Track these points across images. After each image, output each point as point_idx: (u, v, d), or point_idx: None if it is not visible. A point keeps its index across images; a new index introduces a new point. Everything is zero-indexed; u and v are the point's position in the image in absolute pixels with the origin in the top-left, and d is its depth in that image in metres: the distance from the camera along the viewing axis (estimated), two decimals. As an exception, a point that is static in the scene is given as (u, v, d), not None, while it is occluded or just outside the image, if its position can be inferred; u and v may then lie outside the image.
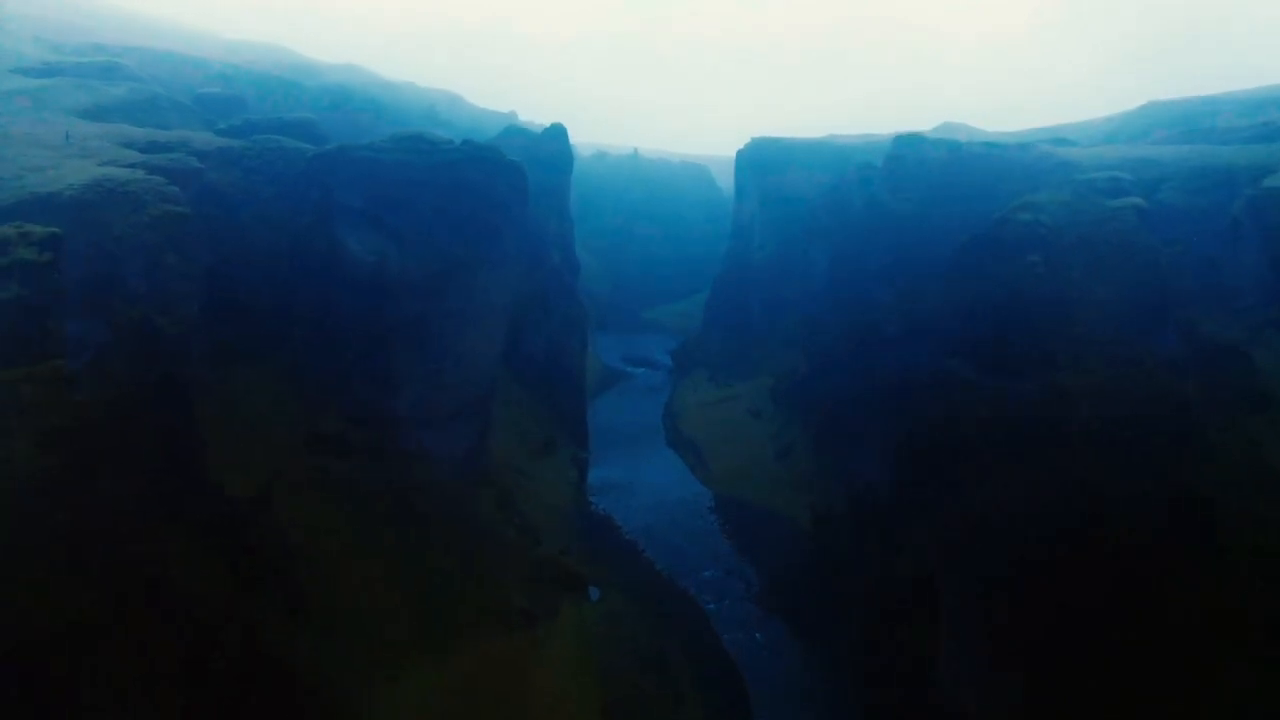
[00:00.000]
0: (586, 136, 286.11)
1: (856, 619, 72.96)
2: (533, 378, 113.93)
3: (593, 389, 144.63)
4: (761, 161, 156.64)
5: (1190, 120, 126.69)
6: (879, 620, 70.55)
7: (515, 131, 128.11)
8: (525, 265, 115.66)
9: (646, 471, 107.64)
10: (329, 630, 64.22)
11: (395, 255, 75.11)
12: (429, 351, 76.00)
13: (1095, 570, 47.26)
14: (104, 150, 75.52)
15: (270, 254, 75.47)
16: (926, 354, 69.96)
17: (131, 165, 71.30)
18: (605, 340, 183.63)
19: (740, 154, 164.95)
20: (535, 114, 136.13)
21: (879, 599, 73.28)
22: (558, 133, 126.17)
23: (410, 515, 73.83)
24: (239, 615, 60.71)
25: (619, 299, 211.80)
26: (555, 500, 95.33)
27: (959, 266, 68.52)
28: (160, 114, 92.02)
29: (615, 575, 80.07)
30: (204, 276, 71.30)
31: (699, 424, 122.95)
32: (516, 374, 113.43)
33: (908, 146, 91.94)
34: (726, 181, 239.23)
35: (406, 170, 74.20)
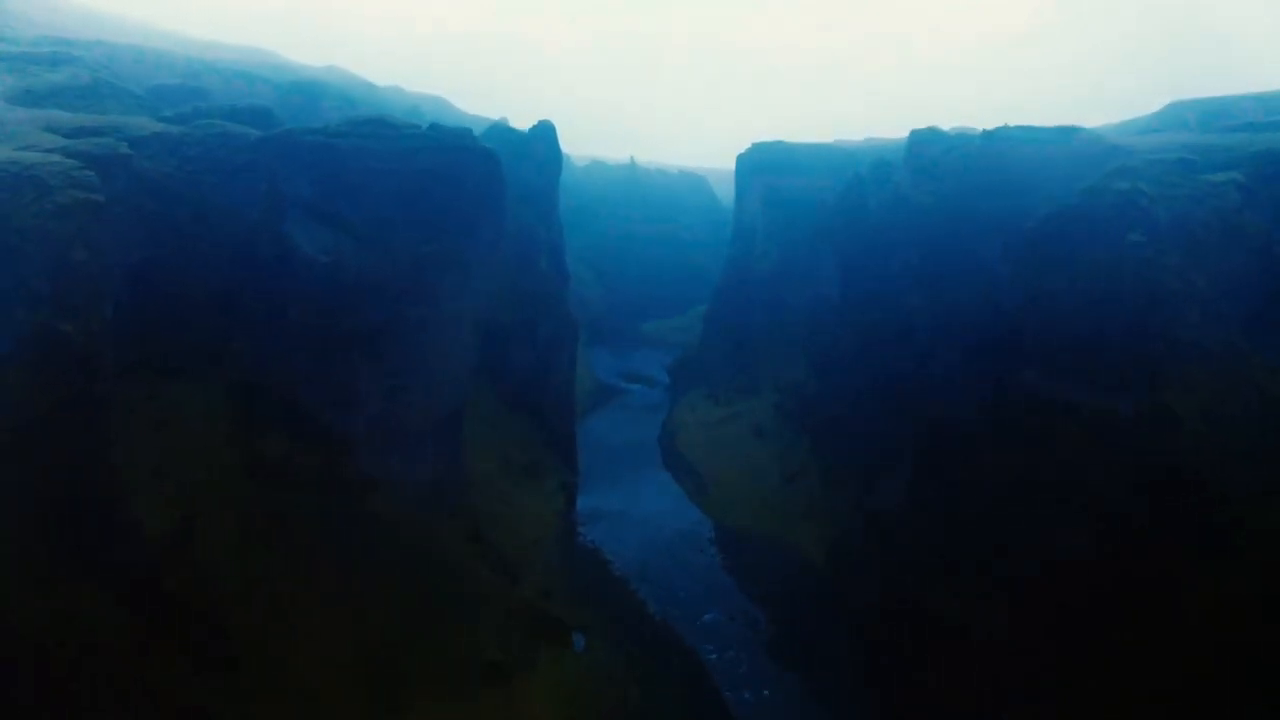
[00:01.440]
0: (582, 147, 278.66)
1: (880, 674, 63.30)
2: (517, 395, 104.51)
3: (585, 406, 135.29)
4: (763, 166, 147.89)
5: (1220, 116, 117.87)
6: (906, 676, 60.91)
7: (501, 130, 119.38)
8: (509, 270, 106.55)
9: (641, 498, 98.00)
10: (263, 693, 54.54)
11: (352, 255, 65.86)
12: (391, 364, 66.67)
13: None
14: (22, 135, 66.37)
15: (209, 252, 66.18)
16: (960, 364, 60.59)
17: (49, 150, 62.14)
18: (599, 355, 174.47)
19: (741, 158, 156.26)
20: (528, 121, 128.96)
21: (905, 650, 63.67)
22: (545, 131, 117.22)
23: (365, 553, 64.20)
24: (154, 676, 51.37)
25: (614, 312, 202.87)
26: (538, 532, 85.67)
27: (1033, 254, 56.95)
28: (100, 101, 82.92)
29: (603, 620, 70.39)
30: (127, 277, 62.06)
31: (698, 445, 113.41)
32: (499, 390, 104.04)
33: (930, 136, 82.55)
34: (725, 193, 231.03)
35: (365, 158, 65.04)
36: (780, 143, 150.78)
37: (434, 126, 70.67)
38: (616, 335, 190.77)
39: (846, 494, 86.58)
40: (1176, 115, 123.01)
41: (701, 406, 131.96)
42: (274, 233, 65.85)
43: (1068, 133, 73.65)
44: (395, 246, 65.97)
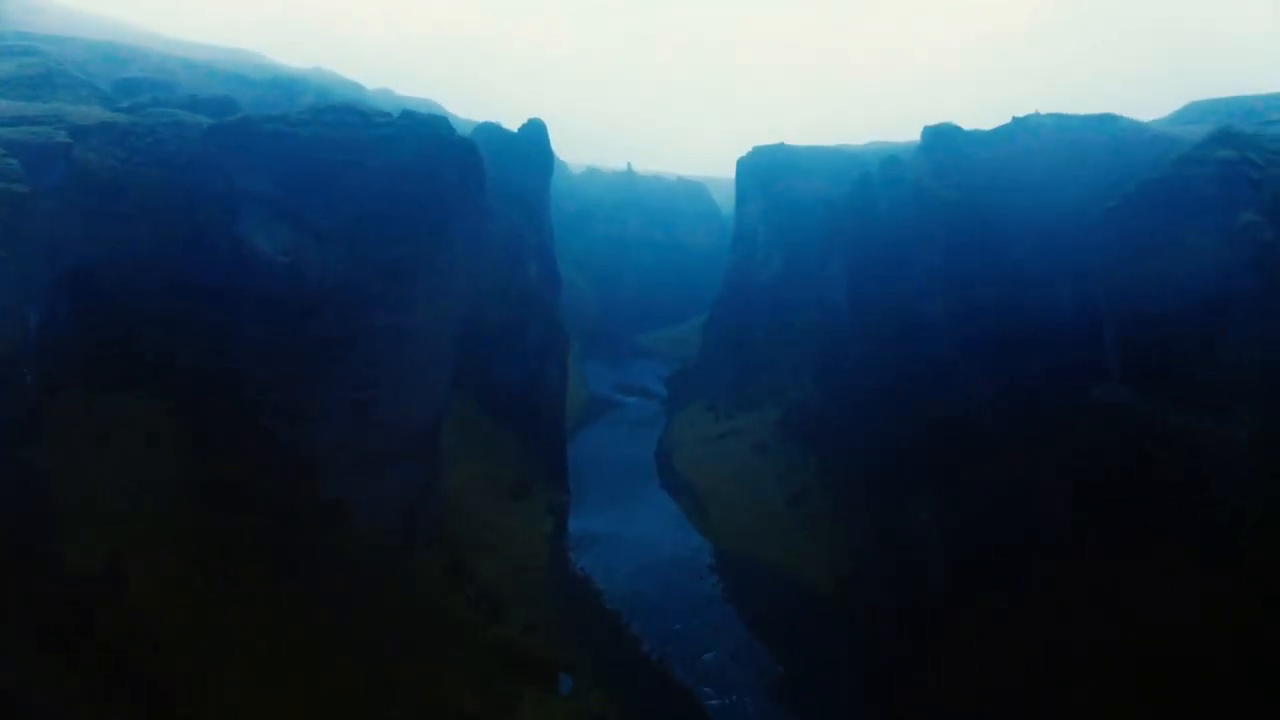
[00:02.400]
0: (579, 155, 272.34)
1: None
2: (504, 408, 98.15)
3: (578, 420, 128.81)
4: (765, 169, 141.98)
5: (1246, 116, 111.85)
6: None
7: (490, 129, 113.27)
8: (496, 274, 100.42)
9: (636, 519, 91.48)
10: (202, 752, 48.02)
11: (315, 257, 59.64)
12: (358, 376, 60.41)
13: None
14: (-50, 124, 60.21)
15: (156, 253, 59.90)
16: (992, 375, 54.27)
17: (-22, 139, 55.95)
18: (595, 366, 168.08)
19: (741, 162, 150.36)
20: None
21: (925, 695, 57.17)
22: (536, 130, 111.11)
23: (327, 589, 57.65)
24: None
25: (610, 322, 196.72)
26: (524, 558, 79.06)
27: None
28: (53, 91, 76.57)
29: (593, 659, 63.83)
30: (61, 279, 55.75)
31: (697, 462, 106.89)
32: (484, 404, 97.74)
33: (950, 129, 76.08)
34: (725, 201, 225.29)
35: (329, 149, 58.81)
36: (782, 145, 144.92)
37: (407, 114, 64.51)
38: (612, 346, 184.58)
39: (856, 518, 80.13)
40: (1199, 115, 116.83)
41: (700, 420, 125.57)
42: (228, 231, 59.66)
43: (1106, 121, 67.57)
44: (363, 247, 59.71)
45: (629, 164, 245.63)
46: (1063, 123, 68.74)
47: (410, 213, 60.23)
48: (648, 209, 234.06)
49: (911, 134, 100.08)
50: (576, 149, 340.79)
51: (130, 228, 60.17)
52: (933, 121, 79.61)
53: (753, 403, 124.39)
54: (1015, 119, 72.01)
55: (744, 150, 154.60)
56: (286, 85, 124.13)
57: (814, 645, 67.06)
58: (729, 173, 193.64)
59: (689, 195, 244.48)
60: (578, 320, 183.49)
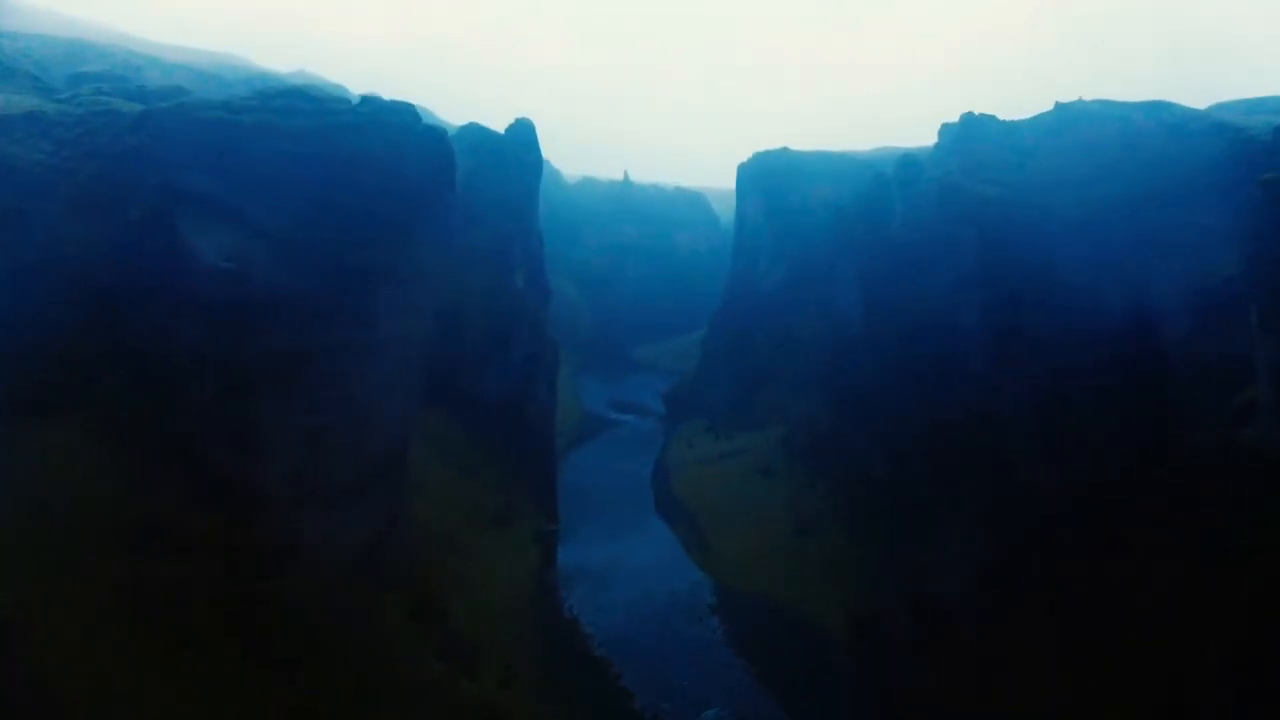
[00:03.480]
0: (575, 165, 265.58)
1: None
2: (487, 430, 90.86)
3: (569, 440, 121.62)
4: (767, 175, 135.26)
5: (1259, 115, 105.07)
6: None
7: (475, 131, 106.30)
8: (480, 285, 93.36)
9: (630, 552, 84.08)
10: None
11: (261, 262, 52.49)
12: (311, 399, 53.14)
13: None
14: None
15: (82, 259, 52.75)
16: (1031, 394, 47.04)
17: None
18: (589, 382, 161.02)
19: (742, 167, 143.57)
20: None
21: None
22: (523, 130, 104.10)
23: (271, 644, 50.21)
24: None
25: (605, 336, 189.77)
26: (505, 596, 71.66)
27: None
28: (-14, 83, 69.79)
29: (579, 717, 56.38)
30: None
31: (696, 486, 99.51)
32: (466, 425, 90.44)
33: (985, 119, 68.63)
34: (725, 211, 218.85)
35: (278, 139, 51.72)
36: (785, 150, 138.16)
37: (368, 101, 57.39)
38: (607, 360, 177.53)
39: (873, 551, 72.76)
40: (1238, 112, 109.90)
41: (700, 441, 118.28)
42: (164, 234, 52.51)
43: (1158, 108, 60.53)
44: (316, 251, 52.55)
45: (625, 172, 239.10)
46: (1110, 110, 61.58)
47: (370, 212, 53.10)
48: (645, 219, 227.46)
49: (918, 140, 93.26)
50: (572, 159, 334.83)
51: (54, 230, 53.05)
52: (935, 125, 72.97)
53: (755, 421, 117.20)
54: (1058, 104, 64.85)
55: (743, 158, 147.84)
56: (259, 84, 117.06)
57: (829, 697, 59.68)
58: (727, 184, 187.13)
59: (687, 204, 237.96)
60: (571, 334, 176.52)
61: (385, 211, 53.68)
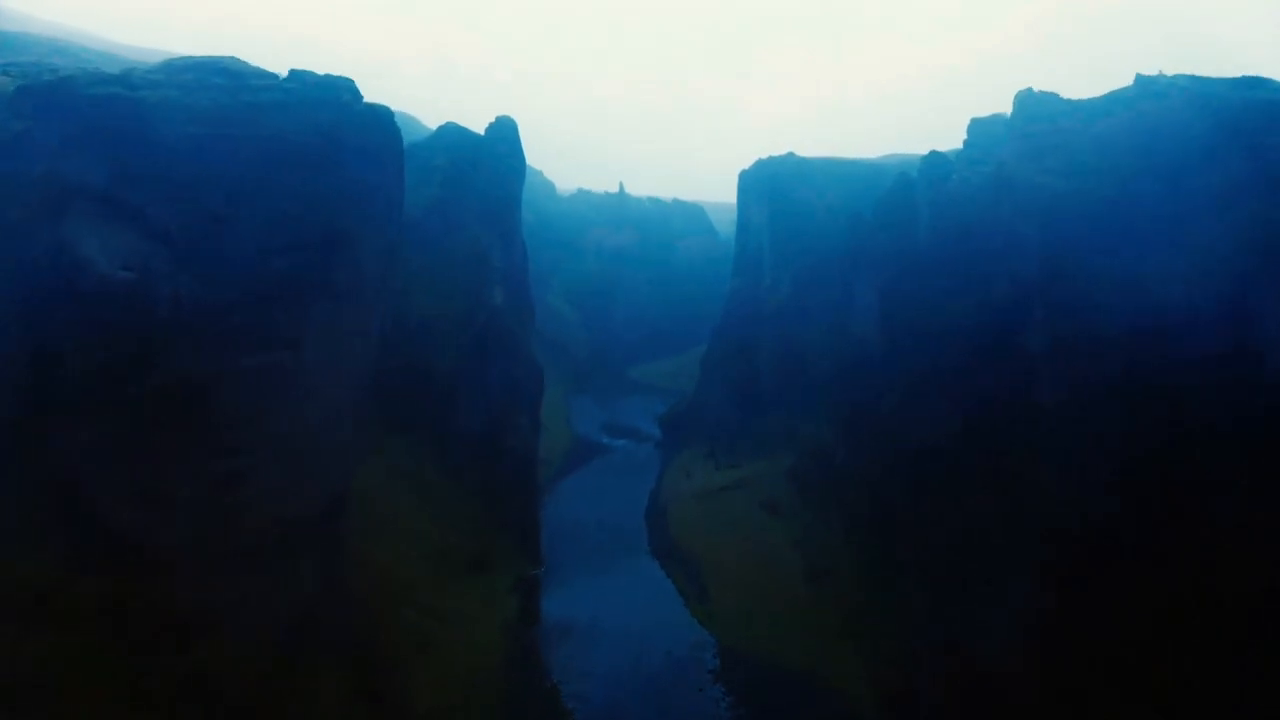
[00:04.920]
0: (569, 179, 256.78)
1: None
2: (462, 463, 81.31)
3: (558, 469, 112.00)
4: (771, 183, 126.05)
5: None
6: None
7: (452, 131, 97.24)
8: (454, 302, 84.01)
9: (622, 601, 74.25)
10: None
11: (166, 270, 43.12)
12: (224, 438, 43.56)
13: None
14: None
15: (-55, 268, 43.15)
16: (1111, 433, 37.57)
17: None
18: (581, 404, 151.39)
19: (744, 175, 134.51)
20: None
21: None
22: (505, 129, 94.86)
23: (165, 743, 40.50)
24: None
25: (600, 355, 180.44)
26: (475, 662, 61.77)
27: None
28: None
29: (553, 824, 46.63)
30: None
31: (695, 524, 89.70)
32: (437, 458, 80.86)
33: (1048, 98, 58.78)
34: (725, 224, 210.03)
35: (186, 121, 42.48)
36: (791, 156, 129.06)
37: (296, 75, 47.92)
38: (601, 380, 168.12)
39: (900, 606, 63.03)
40: None
41: (699, 470, 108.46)
42: (48, 236, 42.99)
43: (1254, 84, 51.27)
44: (232, 258, 43.16)
45: (621, 184, 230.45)
46: (1200, 86, 52.16)
47: (300, 210, 43.75)
48: (642, 231, 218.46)
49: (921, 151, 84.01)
50: (566, 171, 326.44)
51: (-89, 232, 43.50)
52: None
53: (759, 448, 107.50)
54: (1139, 77, 55.21)
55: (743, 167, 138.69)
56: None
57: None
58: (726, 197, 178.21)
59: (686, 217, 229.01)
60: (563, 353, 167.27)
61: (318, 210, 44.31)
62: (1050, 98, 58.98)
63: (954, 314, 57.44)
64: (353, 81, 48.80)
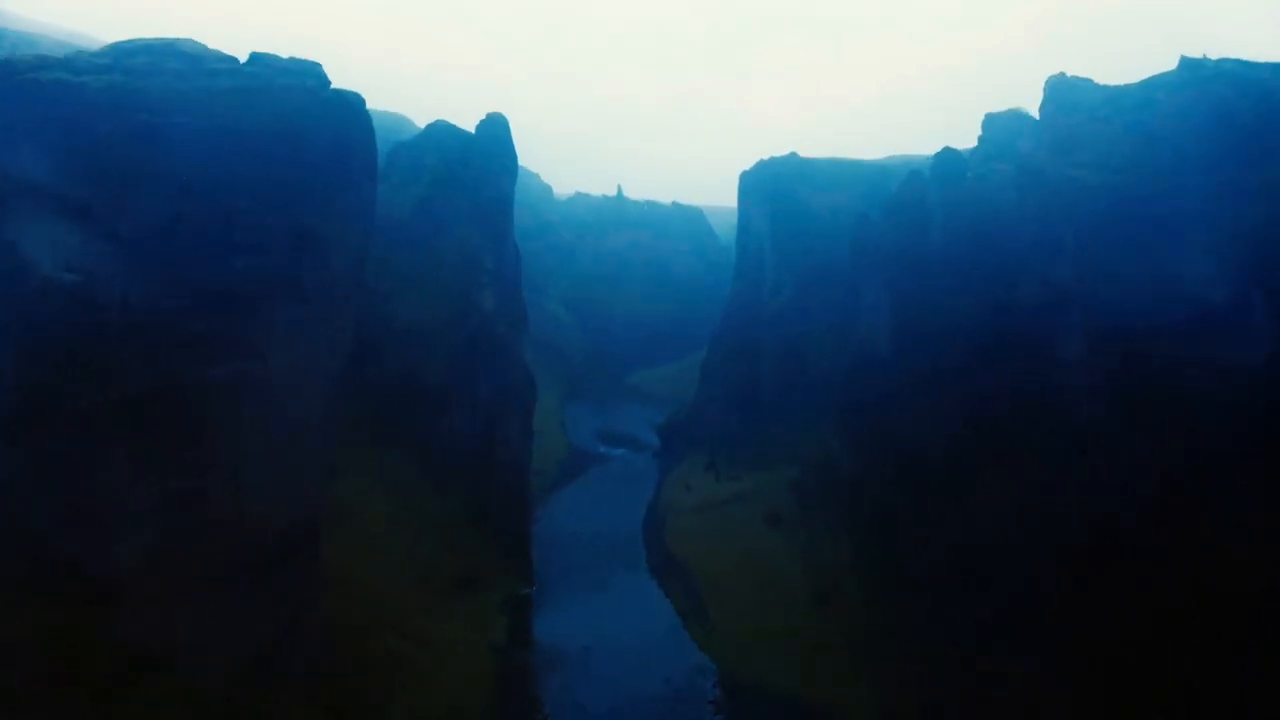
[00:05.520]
0: (566, 183, 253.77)
1: None
2: (450, 476, 77.47)
3: (553, 480, 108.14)
4: (774, 184, 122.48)
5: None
6: None
7: (441, 130, 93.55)
8: (441, 308, 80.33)
9: (618, 623, 70.49)
10: None
11: (116, 274, 39.36)
12: (181, 456, 39.77)
13: None
14: None
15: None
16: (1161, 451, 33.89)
17: None
18: (577, 411, 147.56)
19: (745, 176, 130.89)
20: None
21: None
22: (496, 126, 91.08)
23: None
24: None
25: (597, 361, 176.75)
26: (460, 690, 57.97)
27: None
28: None
29: None
30: None
31: (695, 540, 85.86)
32: (424, 471, 77.06)
33: (1082, 83, 54.79)
34: (725, 230, 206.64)
35: (136, 109, 38.71)
36: (793, 156, 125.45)
37: (257, 59, 44.10)
38: (598, 387, 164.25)
39: (919, 637, 59.16)
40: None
41: (698, 481, 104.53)
42: (-14, 237, 39.16)
43: (1305, 71, 47.85)
44: (187, 259, 39.36)
45: (619, 187, 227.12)
46: (1249, 71, 48.33)
47: (260, 207, 39.98)
48: (640, 236, 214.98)
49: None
50: (564, 175, 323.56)
51: None
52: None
53: (761, 459, 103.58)
54: (1183, 60, 51.31)
55: (744, 169, 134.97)
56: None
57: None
58: (725, 201, 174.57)
59: (685, 221, 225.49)
60: (560, 359, 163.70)
61: (282, 205, 40.54)
62: (1084, 83, 55.00)
63: (970, 318, 53.74)
64: (320, 66, 45.02)
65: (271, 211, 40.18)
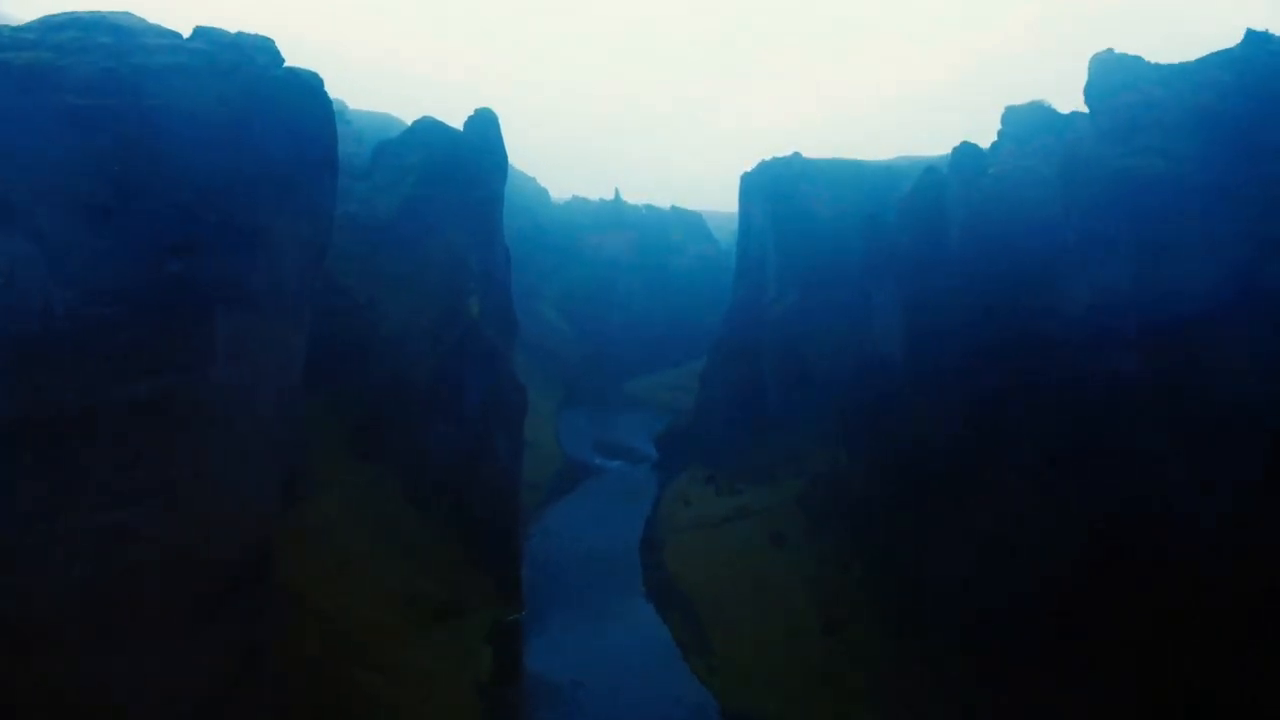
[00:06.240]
0: (564, 185, 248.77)
1: None
2: (434, 494, 72.71)
3: (546, 493, 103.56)
4: (776, 186, 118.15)
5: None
6: None
7: (428, 127, 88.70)
8: (427, 314, 75.72)
9: (612, 652, 65.70)
10: None
11: (37, 276, 34.63)
12: (111, 483, 35.03)
13: None
14: None
15: None
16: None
17: None
18: (573, 420, 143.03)
19: (747, 178, 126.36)
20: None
21: None
22: (484, 123, 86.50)
23: None
24: None
25: (595, 367, 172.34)
26: (437, 733, 53.14)
27: None
28: None
29: None
30: None
31: (695, 560, 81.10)
32: (407, 489, 72.24)
33: (1134, 64, 49.48)
34: (725, 235, 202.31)
35: (60, 89, 34.07)
36: (796, 157, 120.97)
37: (202, 32, 39.07)
38: (595, 395, 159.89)
39: (933, 667, 54.46)
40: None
41: (698, 496, 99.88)
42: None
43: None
44: (119, 260, 34.65)
45: (617, 190, 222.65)
46: None
47: (203, 200, 35.35)
48: (638, 240, 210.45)
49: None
50: (561, 179, 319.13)
51: None
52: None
53: (764, 472, 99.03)
54: (1249, 33, 46.42)
55: (748, 169, 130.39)
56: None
57: None
58: (725, 206, 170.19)
59: (683, 224, 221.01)
60: (555, 366, 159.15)
61: (225, 200, 35.92)
62: (1134, 61, 49.73)
63: (994, 320, 49.01)
64: (272, 41, 40.37)
65: (214, 207, 35.55)
